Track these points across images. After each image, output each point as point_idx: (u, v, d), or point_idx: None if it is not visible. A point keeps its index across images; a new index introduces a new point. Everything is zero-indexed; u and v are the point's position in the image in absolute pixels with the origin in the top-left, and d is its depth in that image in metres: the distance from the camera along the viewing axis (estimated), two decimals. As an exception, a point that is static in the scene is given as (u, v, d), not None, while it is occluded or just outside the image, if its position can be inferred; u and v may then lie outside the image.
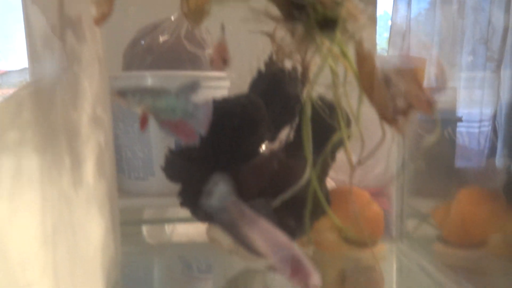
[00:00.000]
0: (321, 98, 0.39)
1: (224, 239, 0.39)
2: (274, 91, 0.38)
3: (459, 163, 0.49)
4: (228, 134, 0.34)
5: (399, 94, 0.26)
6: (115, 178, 0.40)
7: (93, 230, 0.31)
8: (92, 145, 0.31)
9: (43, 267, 0.23)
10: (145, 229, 0.57)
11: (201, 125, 0.29)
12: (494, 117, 0.48)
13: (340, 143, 0.40)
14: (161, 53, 0.59)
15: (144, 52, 0.59)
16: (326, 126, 0.38)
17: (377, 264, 0.38)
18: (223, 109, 0.34)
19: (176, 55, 0.60)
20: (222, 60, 0.26)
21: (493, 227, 0.41)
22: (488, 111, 0.48)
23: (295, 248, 0.23)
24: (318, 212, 0.38)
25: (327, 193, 0.40)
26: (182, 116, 0.28)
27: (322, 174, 0.39)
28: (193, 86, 0.29)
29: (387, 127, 0.29)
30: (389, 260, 0.45)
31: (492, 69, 0.48)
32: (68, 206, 0.26)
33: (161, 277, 0.44)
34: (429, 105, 0.26)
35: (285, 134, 0.42)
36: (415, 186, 0.50)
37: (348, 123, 0.38)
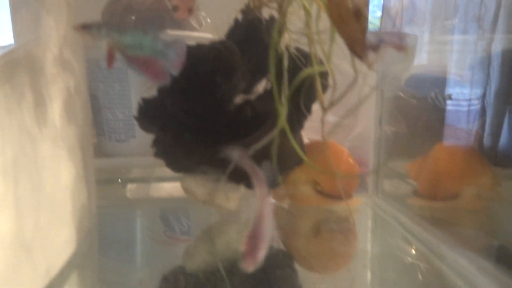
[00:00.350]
0: (298, 48, 0.38)
1: (199, 189, 0.39)
2: (251, 40, 0.37)
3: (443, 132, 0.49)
4: (201, 81, 0.34)
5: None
6: (89, 129, 0.40)
7: (61, 173, 0.30)
8: (59, 87, 0.30)
9: (2, 197, 0.23)
10: (129, 187, 0.57)
11: (172, 65, 0.28)
12: (484, 96, 0.48)
13: (316, 96, 0.40)
14: (141, 12, 0.58)
15: (123, 10, 0.58)
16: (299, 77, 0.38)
17: (351, 216, 0.38)
18: (197, 54, 0.33)
19: (157, 14, 0.58)
20: (187, 9, 0.24)
21: (465, 181, 0.42)
22: (478, 90, 0.48)
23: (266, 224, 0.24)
24: (292, 162, 0.38)
25: (302, 145, 0.40)
26: (151, 54, 0.27)
27: (297, 125, 0.39)
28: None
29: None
30: (365, 213, 0.45)
31: (483, 47, 0.48)
32: (31, 143, 0.26)
33: (138, 231, 0.44)
34: (400, 39, 0.26)
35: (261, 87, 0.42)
36: (394, 147, 0.50)
37: (324, 75, 0.38)
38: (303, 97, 0.38)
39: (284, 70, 0.36)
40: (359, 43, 0.25)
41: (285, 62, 0.36)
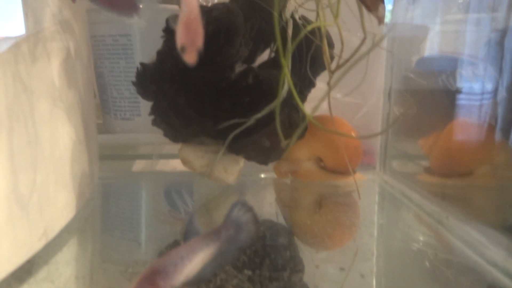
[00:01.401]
0: (303, 17, 0.37)
1: (197, 161, 0.38)
2: (255, 6, 0.36)
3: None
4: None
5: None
6: (92, 97, 0.39)
7: (59, 134, 0.30)
8: (58, 46, 0.30)
9: (-4, 147, 0.23)
10: (137, 162, 0.57)
11: None
12: (496, 90, 0.46)
13: (322, 68, 0.39)
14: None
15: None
16: (306, 46, 0.37)
17: (357, 190, 0.37)
18: (197, 16, 0.32)
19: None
20: (196, 50, 0.22)
21: (480, 158, 0.40)
22: (490, 84, 0.46)
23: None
24: (294, 132, 0.37)
25: (304, 119, 0.39)
26: None
27: (300, 97, 0.38)
28: None
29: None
30: (372, 189, 0.44)
31: (496, 40, 0.46)
32: (26, 95, 0.25)
33: (142, 205, 0.43)
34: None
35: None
36: (402, 128, 0.49)
37: (330, 44, 0.37)
38: (307, 68, 0.37)
39: (289, 38, 0.35)
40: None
41: (290, 30, 0.35)
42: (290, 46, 0.34)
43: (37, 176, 0.27)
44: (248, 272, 0.25)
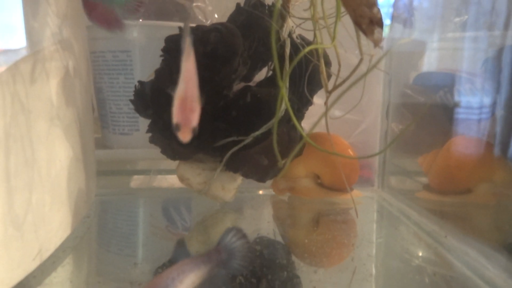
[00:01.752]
0: (301, 36, 0.38)
1: (194, 178, 0.38)
2: (253, 25, 0.36)
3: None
4: (200, 63, 0.33)
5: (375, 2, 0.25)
6: (90, 115, 0.39)
7: (57, 153, 0.30)
8: (57, 65, 0.30)
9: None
10: (134, 178, 0.57)
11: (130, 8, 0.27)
12: (494, 106, 0.47)
13: (319, 86, 0.39)
14: (148, 4, 0.58)
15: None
16: (304, 65, 0.37)
17: (355, 208, 0.37)
18: (196, 35, 0.33)
19: (163, 6, 0.58)
20: (191, 129, 0.22)
21: (479, 175, 0.40)
22: (488, 101, 0.46)
23: None
24: (292, 151, 0.37)
25: (302, 137, 0.39)
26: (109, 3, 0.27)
27: (298, 115, 0.38)
28: None
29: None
30: (370, 206, 0.44)
31: (494, 54, 0.47)
32: (24, 115, 0.25)
33: (140, 221, 0.43)
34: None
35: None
36: (400, 144, 0.49)
37: (327, 63, 0.37)
38: (304, 86, 0.37)
39: (286, 57, 0.35)
40: (365, 17, 0.24)
41: (287, 49, 0.35)
42: (288, 67, 0.34)
43: (32, 196, 0.26)
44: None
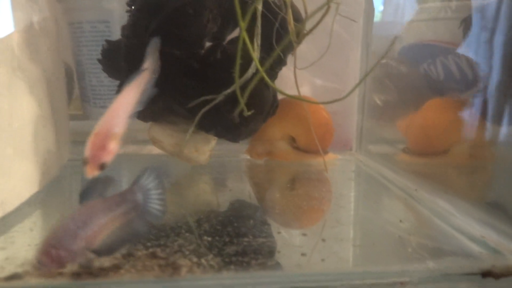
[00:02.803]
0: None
1: (167, 140, 0.38)
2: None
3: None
4: (169, 17, 0.32)
5: None
6: (61, 78, 0.39)
7: (19, 105, 0.29)
8: (19, 15, 0.29)
9: None
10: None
11: None
12: (486, 88, 0.46)
13: (290, 47, 0.38)
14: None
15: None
16: (275, 24, 0.36)
17: (325, 164, 0.37)
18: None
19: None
20: (99, 165, 0.21)
21: (456, 136, 0.40)
22: (474, 83, 0.46)
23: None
24: (264, 108, 0.37)
25: (275, 96, 0.38)
26: None
27: (271, 75, 0.37)
28: None
29: None
30: (348, 167, 0.44)
31: (485, 39, 0.46)
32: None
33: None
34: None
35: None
36: (382, 113, 0.49)
37: (298, 19, 0.36)
38: (273, 42, 0.36)
39: (258, 14, 0.34)
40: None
41: (260, 5, 0.35)
42: (259, 22, 0.33)
43: (-9, 144, 0.26)
44: (207, 238, 0.25)
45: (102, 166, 0.21)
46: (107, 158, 0.21)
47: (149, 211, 0.22)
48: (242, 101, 0.28)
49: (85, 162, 0.21)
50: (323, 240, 0.25)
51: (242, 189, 0.37)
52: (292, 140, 0.42)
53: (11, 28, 0.28)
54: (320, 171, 0.40)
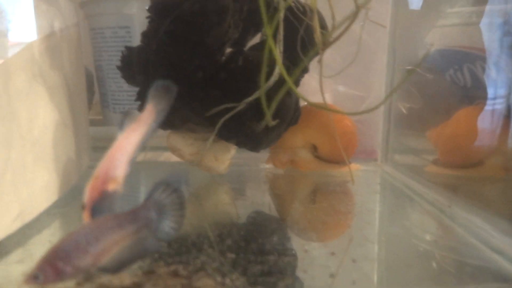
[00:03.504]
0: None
1: (186, 148, 0.37)
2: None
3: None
4: (189, 23, 0.32)
5: None
6: (83, 85, 0.39)
7: (39, 112, 0.29)
8: (41, 22, 0.29)
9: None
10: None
11: None
12: (509, 95, 0.44)
13: (315, 53, 0.37)
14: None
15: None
16: (298, 30, 0.35)
17: (351, 175, 0.35)
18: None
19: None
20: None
21: (490, 147, 0.37)
22: (502, 90, 0.44)
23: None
24: (288, 117, 0.35)
25: (297, 103, 0.37)
26: None
27: (294, 82, 0.36)
28: None
29: None
30: (373, 179, 0.42)
31: (509, 44, 0.45)
32: (3, 71, 0.25)
33: (136, 195, 0.42)
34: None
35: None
36: (407, 122, 0.47)
37: (323, 26, 0.35)
38: (298, 49, 0.35)
39: (280, 20, 0.33)
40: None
41: (281, 11, 0.34)
42: (281, 29, 0.32)
43: (11, 153, 0.26)
44: (231, 255, 0.23)
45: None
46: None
47: (162, 228, 0.20)
48: (267, 111, 0.27)
49: (83, 207, 0.20)
50: (354, 260, 0.23)
51: (263, 200, 0.36)
52: (314, 149, 0.41)
53: (33, 35, 0.28)
54: (343, 183, 0.38)
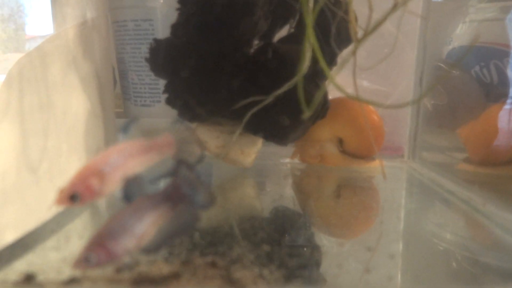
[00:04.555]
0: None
1: (212, 141, 0.37)
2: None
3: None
4: (218, 15, 0.31)
5: None
6: (110, 75, 0.39)
7: (72, 101, 0.29)
8: (74, 12, 0.29)
9: (5, 106, 0.22)
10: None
11: None
12: None
13: (345, 43, 0.36)
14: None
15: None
16: (329, 21, 0.34)
17: (382, 170, 0.34)
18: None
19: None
20: (68, 196, 0.19)
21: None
22: None
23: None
24: (315, 110, 0.35)
25: (326, 97, 0.37)
26: None
27: (323, 75, 0.36)
28: None
29: None
30: (400, 176, 0.41)
31: None
32: (39, 57, 0.25)
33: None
34: None
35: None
36: (433, 119, 0.46)
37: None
38: (331, 41, 0.34)
39: (310, 11, 0.33)
40: None
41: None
42: (312, 13, 0.32)
43: (48, 142, 0.26)
44: (266, 248, 0.23)
45: (73, 198, 0.19)
46: (82, 190, 0.19)
47: (198, 200, 0.21)
48: (305, 104, 0.27)
49: (61, 191, 0.19)
50: (391, 256, 0.23)
51: (291, 195, 0.35)
52: (340, 142, 0.40)
53: (66, 22, 0.28)
54: (369, 178, 0.38)
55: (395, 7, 0.27)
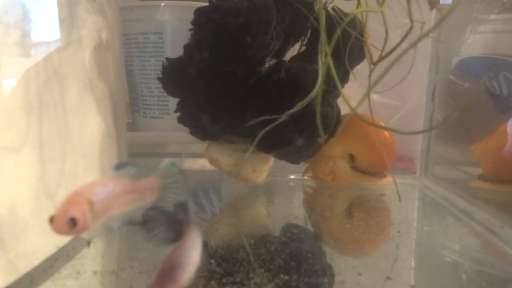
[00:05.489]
0: (337, 9, 0.35)
1: (224, 159, 0.37)
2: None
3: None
4: (232, 36, 0.31)
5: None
6: (123, 93, 0.39)
7: (88, 123, 0.29)
8: (90, 34, 0.29)
9: (24, 133, 0.22)
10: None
11: None
12: None
13: (356, 62, 0.36)
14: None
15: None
16: (342, 40, 0.34)
17: (397, 191, 0.34)
18: (227, 6, 0.31)
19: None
20: (67, 220, 0.18)
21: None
22: None
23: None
24: (328, 129, 0.35)
25: (339, 113, 0.36)
26: None
27: (335, 93, 0.36)
28: None
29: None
30: (412, 194, 0.41)
31: None
32: (58, 81, 0.25)
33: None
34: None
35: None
36: (444, 132, 0.46)
37: (362, 33, 0.34)
38: (343, 61, 0.34)
39: (322, 30, 0.33)
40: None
41: (322, 21, 0.33)
42: (325, 41, 0.32)
43: (65, 166, 0.26)
44: (284, 277, 0.23)
45: (73, 222, 0.18)
46: (78, 215, 0.18)
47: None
48: (320, 127, 0.26)
49: (51, 220, 0.18)
50: (412, 287, 0.23)
51: (303, 214, 0.35)
52: (352, 158, 0.40)
53: (82, 45, 0.28)
54: (381, 197, 0.38)
55: (410, 30, 0.27)
